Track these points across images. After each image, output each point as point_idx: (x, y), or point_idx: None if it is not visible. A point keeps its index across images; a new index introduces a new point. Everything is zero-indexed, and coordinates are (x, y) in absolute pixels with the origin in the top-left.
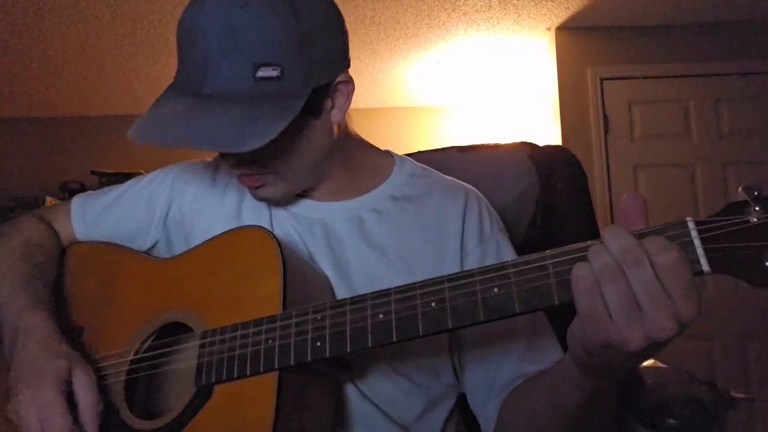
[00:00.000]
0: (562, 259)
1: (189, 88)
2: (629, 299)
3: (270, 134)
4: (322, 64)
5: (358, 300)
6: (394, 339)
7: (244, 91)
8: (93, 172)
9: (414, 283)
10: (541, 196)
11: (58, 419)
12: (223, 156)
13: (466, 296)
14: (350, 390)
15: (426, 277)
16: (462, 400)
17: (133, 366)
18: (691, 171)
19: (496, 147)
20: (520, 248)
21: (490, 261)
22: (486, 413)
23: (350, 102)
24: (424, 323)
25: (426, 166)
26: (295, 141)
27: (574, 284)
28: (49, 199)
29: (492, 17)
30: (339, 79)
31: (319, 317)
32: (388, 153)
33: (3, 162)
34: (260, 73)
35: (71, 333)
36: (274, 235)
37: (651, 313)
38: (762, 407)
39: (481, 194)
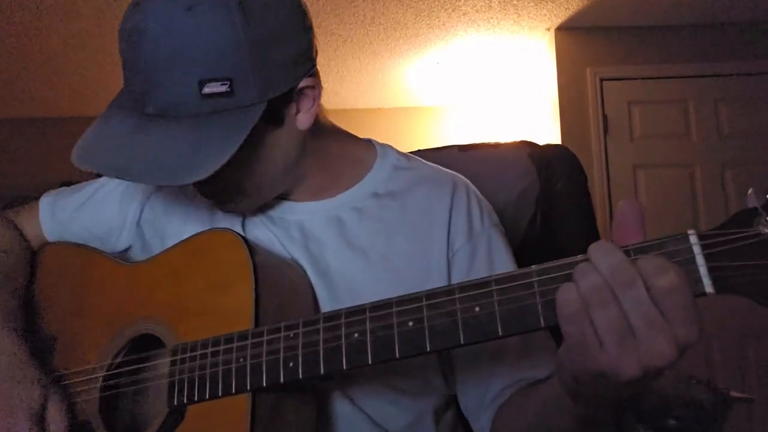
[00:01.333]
0: (548, 276)
1: (133, 104)
2: (621, 324)
3: (218, 161)
4: (280, 71)
5: (331, 317)
6: (369, 362)
7: (191, 110)
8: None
9: (391, 299)
10: (540, 195)
11: None
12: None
13: (446, 315)
14: (337, 400)
15: (411, 278)
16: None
17: (106, 382)
18: (690, 171)
19: (496, 146)
20: (520, 247)
21: (481, 259)
22: (479, 422)
23: (318, 103)
24: (401, 344)
25: (412, 156)
26: (257, 157)
27: (559, 309)
28: None
29: (492, 17)
30: (303, 84)
31: (291, 335)
32: (369, 142)
33: (3, 162)
34: (207, 89)
35: (43, 343)
36: (245, 239)
37: (646, 339)
38: (761, 407)
39: (471, 184)
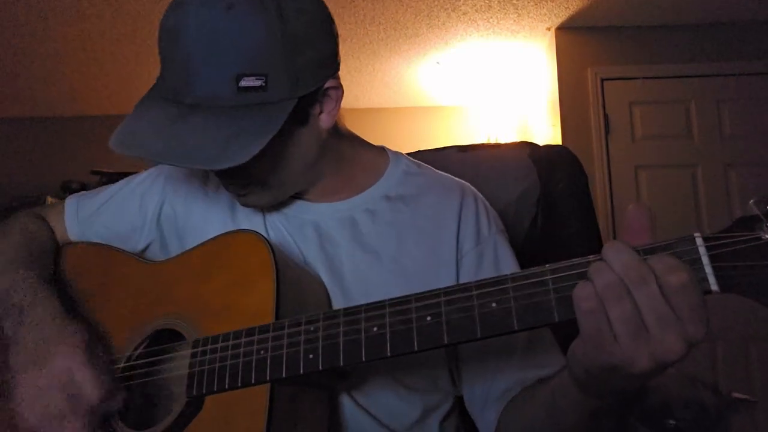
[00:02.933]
0: (562, 274)
1: (171, 94)
2: (635, 319)
3: (252, 150)
4: (309, 71)
5: (351, 311)
6: (388, 354)
7: (227, 102)
8: (93, 172)
9: (409, 295)
10: (541, 196)
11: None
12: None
13: (463, 311)
14: (345, 399)
15: (420, 280)
16: (461, 401)
17: (125, 373)
18: (692, 172)
19: (496, 147)
20: (522, 248)
21: (487, 263)
22: (484, 421)
23: (339, 106)
24: (420, 338)
25: (421, 163)
26: (281, 152)
27: (576, 304)
28: (49, 199)
29: (492, 17)
30: (328, 84)
31: (312, 328)
32: (382, 149)
33: (3, 162)
34: (243, 83)
35: None
36: (267, 240)
37: (658, 334)
38: (764, 409)
39: (478, 192)
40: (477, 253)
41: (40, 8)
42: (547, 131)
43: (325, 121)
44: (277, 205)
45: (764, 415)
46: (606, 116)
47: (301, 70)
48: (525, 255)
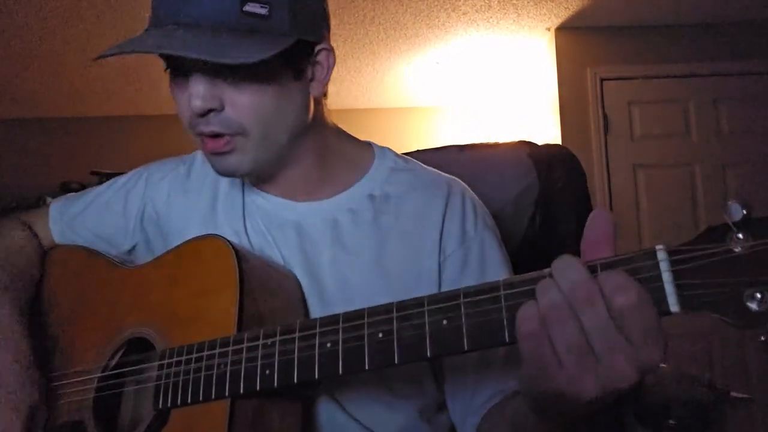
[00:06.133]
0: (515, 290)
1: (168, 19)
2: (580, 343)
3: (258, 55)
4: (308, 17)
5: (307, 326)
6: (340, 372)
7: (229, 23)
8: (93, 172)
9: (363, 310)
10: (540, 195)
11: None
12: (193, 105)
13: (414, 328)
14: (330, 406)
15: (401, 283)
16: None
17: (101, 384)
18: (690, 171)
19: (495, 146)
20: (520, 247)
21: (473, 263)
22: (465, 429)
23: (330, 76)
24: (371, 356)
25: (409, 158)
26: (271, 95)
27: (517, 326)
28: (49, 199)
29: (492, 17)
30: (322, 46)
31: (269, 342)
32: (368, 144)
33: (3, 162)
34: (247, 8)
35: (45, 342)
36: (232, 244)
37: (606, 360)
38: (761, 407)
39: (468, 188)
40: (461, 254)
41: (40, 8)
42: (546, 131)
43: (315, 88)
44: (259, 203)
45: (762, 414)
46: (605, 116)
47: (301, 12)
48: (523, 253)
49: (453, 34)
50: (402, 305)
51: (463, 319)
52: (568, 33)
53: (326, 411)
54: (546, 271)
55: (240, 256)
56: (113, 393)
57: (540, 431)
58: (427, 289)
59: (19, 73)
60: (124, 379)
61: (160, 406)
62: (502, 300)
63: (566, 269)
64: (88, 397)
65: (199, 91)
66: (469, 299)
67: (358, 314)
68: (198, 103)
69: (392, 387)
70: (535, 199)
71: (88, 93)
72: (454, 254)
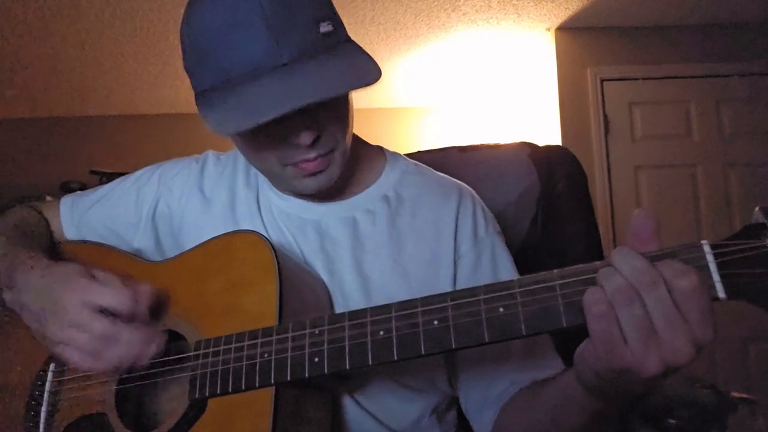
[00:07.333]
0: (570, 280)
1: (263, 67)
2: (645, 323)
3: (376, 68)
4: (340, 25)
5: (357, 315)
6: (395, 357)
7: (318, 48)
8: (93, 172)
9: (415, 300)
10: (541, 196)
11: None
12: (303, 140)
13: (470, 315)
14: (346, 400)
15: (419, 281)
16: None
17: (124, 375)
18: (692, 172)
19: (496, 147)
20: (522, 248)
21: (485, 264)
22: (481, 422)
23: None
24: (426, 342)
25: (419, 163)
26: (348, 104)
27: (587, 309)
28: (49, 199)
29: (492, 17)
30: None
31: (316, 332)
32: (379, 149)
33: (3, 162)
34: (322, 29)
35: None
36: (269, 240)
37: (667, 338)
38: (763, 409)
39: (475, 194)
40: (474, 254)
41: (40, 8)
42: (546, 131)
43: None
44: (278, 204)
45: (764, 415)
46: (606, 116)
47: (338, 20)
48: (525, 254)
49: (453, 34)
50: (456, 295)
51: (520, 307)
52: (569, 33)
53: (347, 404)
54: (598, 263)
55: (276, 249)
56: (138, 385)
57: (586, 412)
58: (442, 286)
59: (18, 73)
60: (150, 371)
61: (197, 395)
62: (558, 288)
63: (628, 257)
64: (110, 389)
65: (305, 123)
66: (523, 288)
67: (410, 303)
68: (308, 136)
69: (405, 381)
70: (536, 200)
71: (88, 93)
72: (467, 255)
